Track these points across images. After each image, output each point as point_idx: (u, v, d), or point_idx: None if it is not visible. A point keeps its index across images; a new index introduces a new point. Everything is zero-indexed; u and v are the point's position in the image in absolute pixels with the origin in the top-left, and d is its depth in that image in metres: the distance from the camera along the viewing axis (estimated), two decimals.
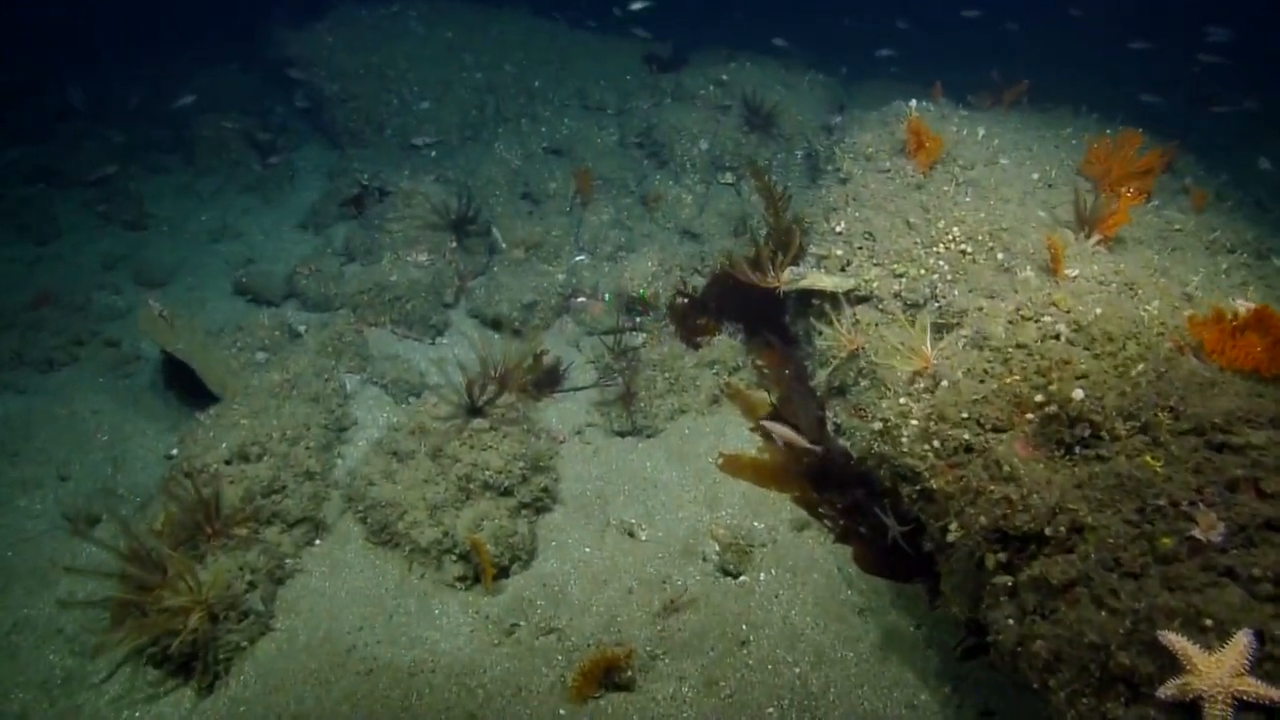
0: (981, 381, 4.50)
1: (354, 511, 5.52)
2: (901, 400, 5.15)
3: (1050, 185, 6.21)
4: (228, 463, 5.31)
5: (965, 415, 4.36)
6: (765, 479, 6.06)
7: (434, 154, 10.53)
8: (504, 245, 8.25)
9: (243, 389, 6.15)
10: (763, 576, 5.33)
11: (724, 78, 9.85)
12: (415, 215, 8.00)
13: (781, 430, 6.38)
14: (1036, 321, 4.63)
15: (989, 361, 4.59)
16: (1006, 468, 4.08)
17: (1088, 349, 4.31)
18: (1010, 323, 4.75)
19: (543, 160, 10.14)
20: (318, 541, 5.41)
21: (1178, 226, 5.86)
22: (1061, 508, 3.89)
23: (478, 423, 5.58)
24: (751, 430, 6.48)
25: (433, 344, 7.56)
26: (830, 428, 6.32)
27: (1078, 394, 4.00)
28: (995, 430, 4.24)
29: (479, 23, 12.07)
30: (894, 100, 10.73)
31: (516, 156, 10.12)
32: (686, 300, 7.26)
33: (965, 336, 4.99)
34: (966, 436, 4.31)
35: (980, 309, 5.14)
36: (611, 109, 10.76)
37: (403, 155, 10.27)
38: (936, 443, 4.42)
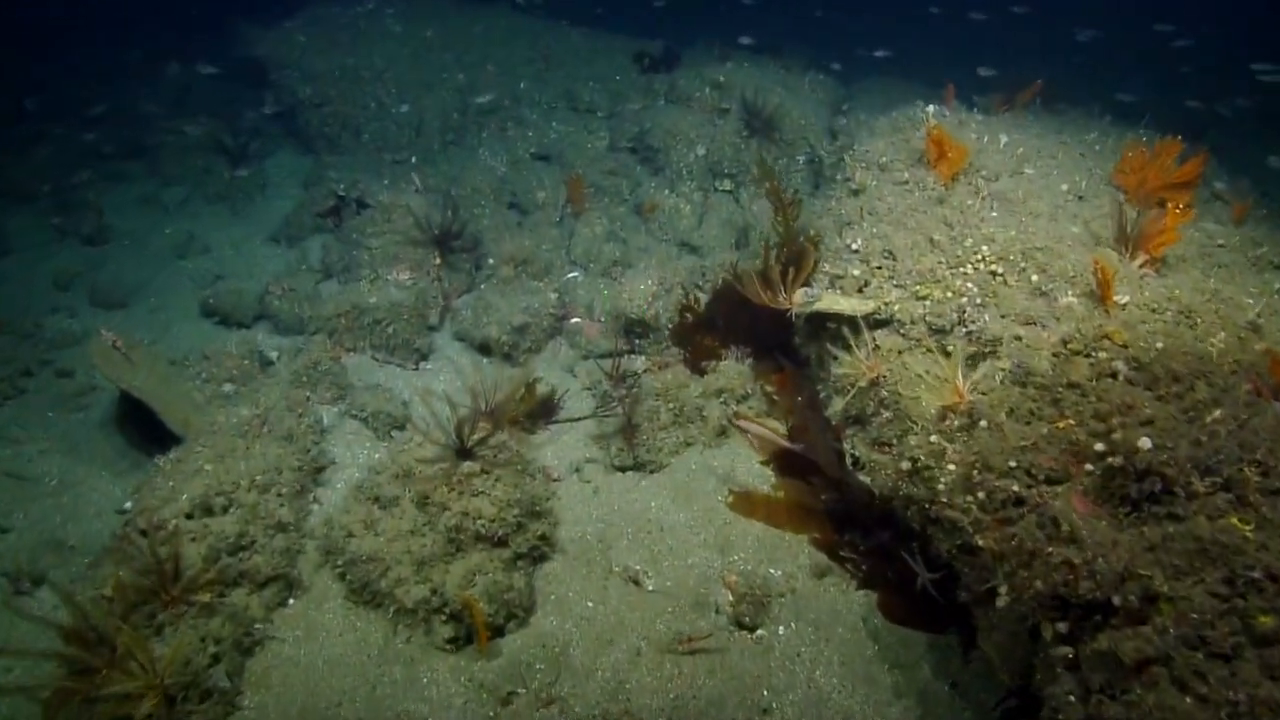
0: (1028, 424, 4.06)
1: (332, 567, 5.00)
2: (933, 438, 4.70)
3: (1081, 198, 5.78)
4: (189, 516, 4.77)
5: (1013, 464, 3.91)
6: (780, 519, 5.60)
7: (414, 159, 9.97)
8: (491, 260, 7.72)
9: (208, 427, 5.61)
10: (782, 631, 4.88)
11: (720, 79, 9.37)
12: (396, 230, 7.46)
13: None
14: (1088, 356, 4.19)
15: (1035, 401, 4.15)
16: (1066, 526, 3.63)
17: (1150, 389, 3.88)
18: (1056, 356, 4.32)
19: (530, 167, 9.62)
20: (291, 602, 4.89)
21: (1220, 241, 5.45)
22: (1131, 573, 3.45)
23: (468, 466, 5.08)
24: (762, 464, 6.01)
25: (416, 369, 7.04)
26: (848, 460, 5.89)
27: (1145, 443, 3.56)
28: (1049, 482, 3.80)
29: (460, 21, 11.49)
30: (896, 100, 10.34)
31: (502, 163, 9.58)
32: (690, 320, 6.78)
33: (1004, 370, 4.55)
34: (1016, 488, 3.86)
35: (1018, 338, 4.70)
36: (601, 111, 10.24)
37: (381, 161, 9.70)
38: (982, 494, 3.97)
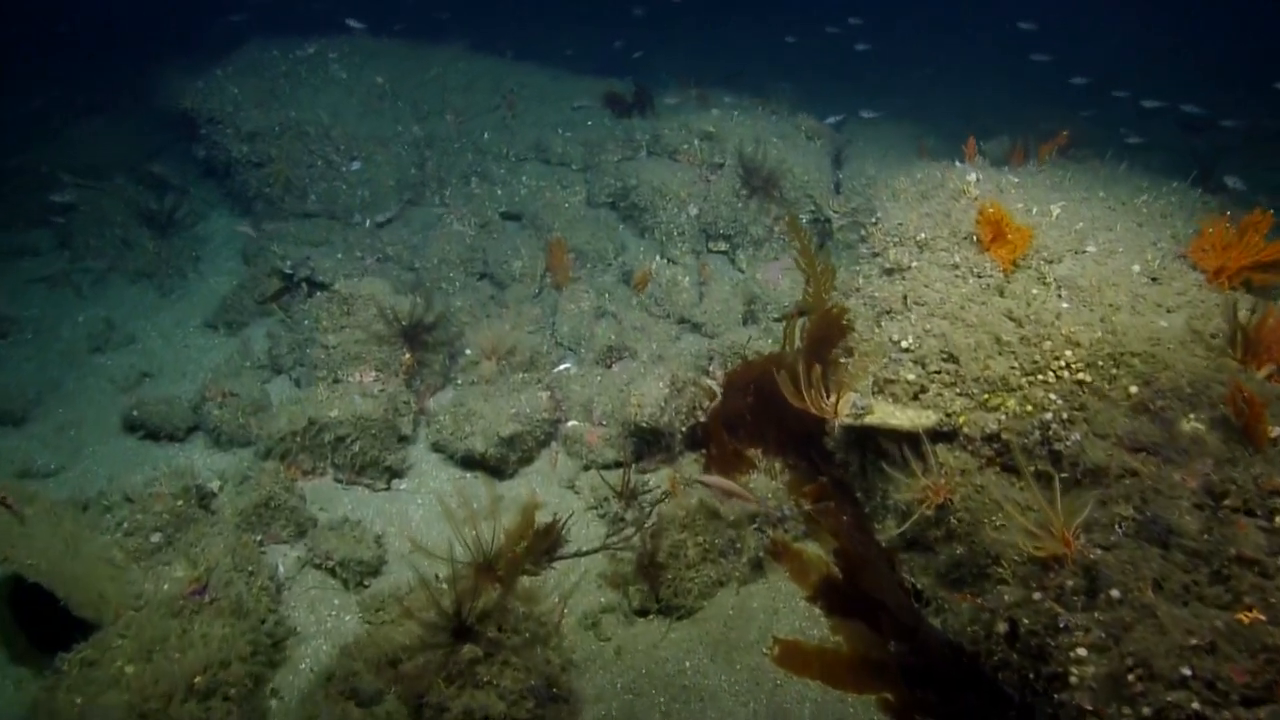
0: (1194, 613, 3.25)
1: None
2: (1037, 596, 3.89)
3: (1155, 280, 5.08)
4: None
5: (1188, 672, 3.10)
6: (840, 676, 4.72)
7: (368, 223, 8.89)
8: (469, 351, 6.71)
9: (130, 605, 4.48)
10: None
11: (710, 129, 8.55)
12: (357, 324, 6.40)
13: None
14: (1251, 515, 3.42)
15: (1188, 573, 3.36)
16: None
17: None
18: (1201, 509, 3.54)
19: (501, 230, 8.65)
20: None
21: None
22: None
23: (468, 649, 4.07)
24: (808, 601, 5.13)
25: (388, 489, 5.98)
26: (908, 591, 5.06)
27: None
28: (1246, 703, 2.99)
29: (413, 64, 10.46)
30: (892, 144, 9.68)
31: (470, 226, 8.59)
32: (707, 423, 5.90)
33: (1127, 518, 3.76)
34: (1197, 706, 3.05)
35: (1133, 473, 3.93)
36: (576, 164, 9.33)
37: (332, 228, 8.60)
38: (1147, 710, 3.14)
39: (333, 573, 5.17)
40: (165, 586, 4.69)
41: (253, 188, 9.17)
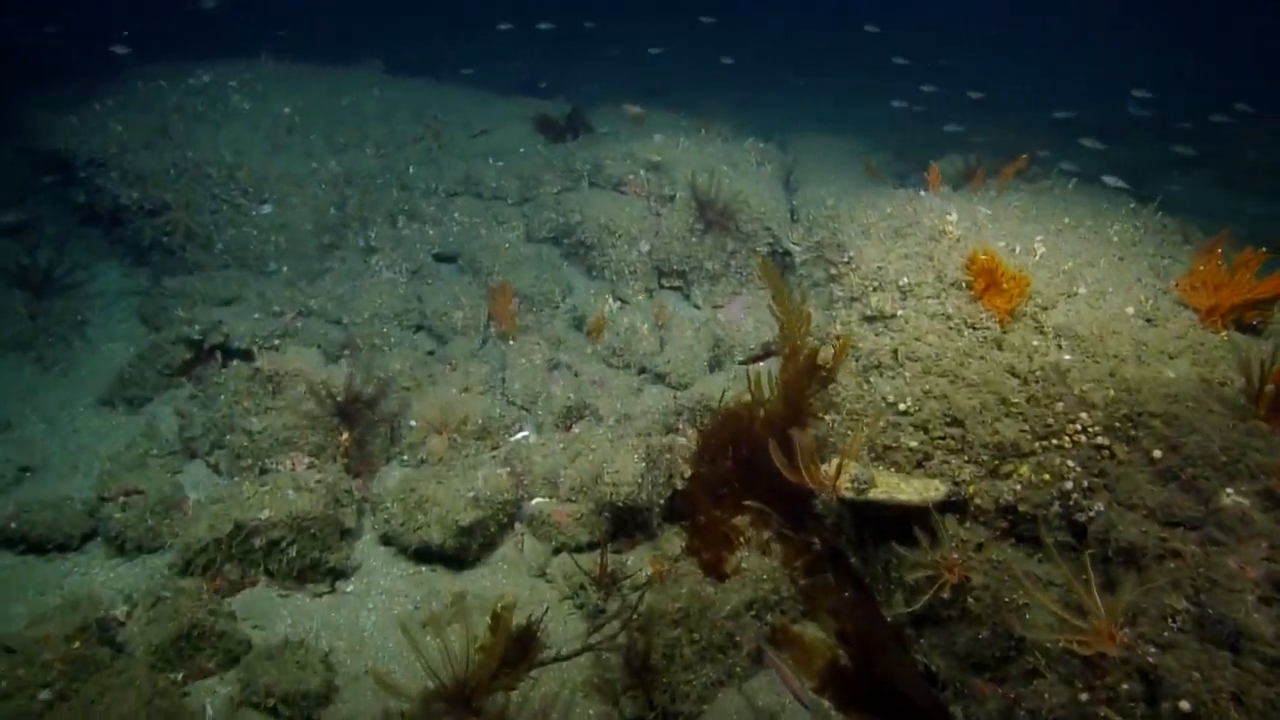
0: None
1: None
2: (1086, 699, 3.57)
3: (1150, 321, 4.88)
4: None
5: None
6: None
7: (285, 270, 8.02)
8: (413, 423, 6.02)
9: None
10: None
11: (655, 157, 8.07)
12: (286, 405, 5.62)
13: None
14: None
15: (1275, 687, 3.05)
16: None
17: None
18: (1268, 604, 3.25)
19: (436, 274, 7.94)
20: None
21: None
22: None
23: None
24: (815, 692, 4.70)
25: (332, 591, 5.25)
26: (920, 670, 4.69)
27: None
28: None
29: (324, 92, 9.59)
30: (839, 163, 9.42)
31: (401, 273, 7.85)
32: (687, 491, 5.41)
33: (1182, 611, 3.46)
34: None
35: (1177, 555, 3.64)
36: (512, 197, 8.69)
37: (245, 280, 7.69)
38: None
39: (274, 712, 4.43)
40: None
41: (147, 237, 8.15)
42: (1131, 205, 6.92)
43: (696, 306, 7.60)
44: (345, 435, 5.68)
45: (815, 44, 24.65)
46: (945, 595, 4.32)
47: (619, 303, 7.50)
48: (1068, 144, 11.56)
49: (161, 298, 7.53)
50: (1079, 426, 4.22)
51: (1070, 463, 4.21)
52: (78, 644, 4.42)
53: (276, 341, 6.75)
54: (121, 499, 5.52)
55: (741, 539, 5.21)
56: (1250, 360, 4.12)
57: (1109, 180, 8.41)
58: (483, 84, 11.65)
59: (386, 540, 5.47)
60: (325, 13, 22.13)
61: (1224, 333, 4.79)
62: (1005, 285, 4.74)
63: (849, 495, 4.55)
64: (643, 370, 6.78)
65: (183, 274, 7.89)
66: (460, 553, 5.33)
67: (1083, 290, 5.08)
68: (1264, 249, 4.82)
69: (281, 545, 5.06)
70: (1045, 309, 4.90)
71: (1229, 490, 3.66)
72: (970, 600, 4.32)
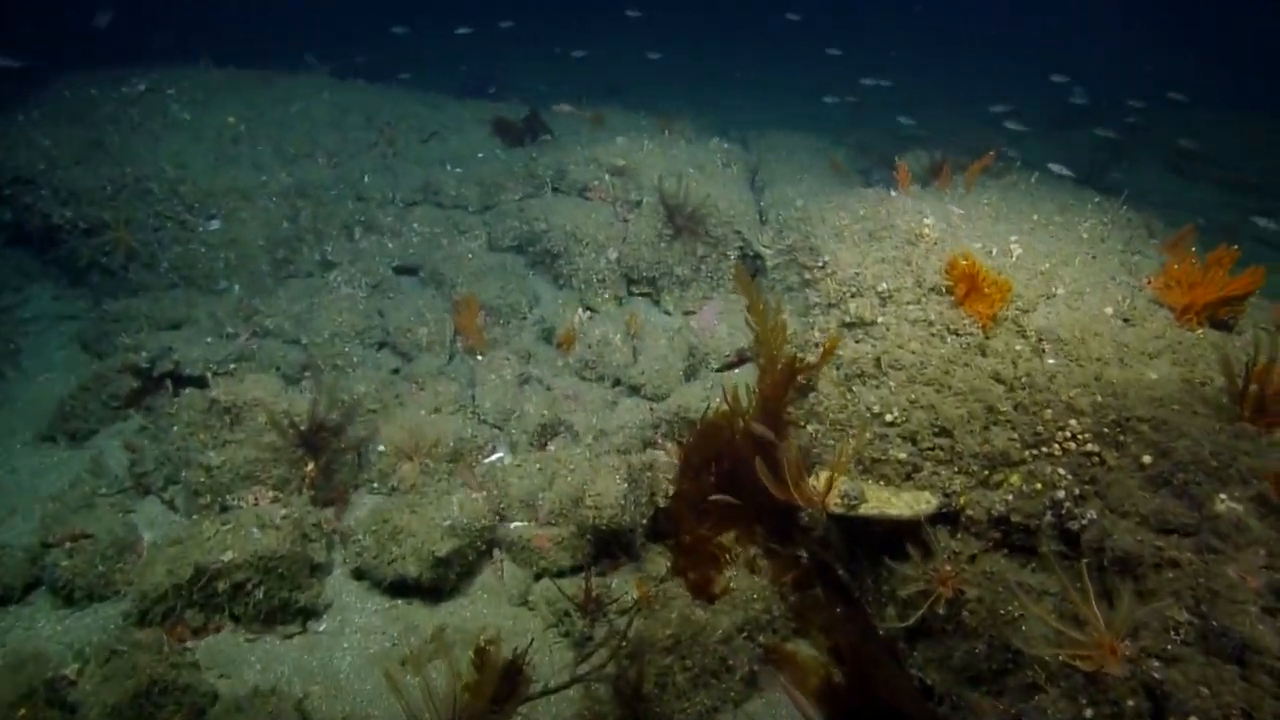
0: None
1: None
2: (1091, 716, 3.54)
3: (1128, 321, 4.89)
4: None
5: None
6: None
7: (236, 288, 7.64)
8: (381, 448, 5.77)
9: None
10: None
11: (620, 161, 7.89)
12: (246, 437, 5.32)
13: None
14: None
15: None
16: None
17: None
18: (1271, 615, 3.24)
19: (397, 288, 7.65)
20: None
21: None
22: None
23: None
24: None
25: (304, 632, 4.99)
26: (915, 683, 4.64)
27: None
28: None
29: (270, 100, 9.17)
30: (803, 162, 9.35)
31: (360, 287, 7.54)
32: (674, 514, 5.27)
33: (1184, 624, 3.43)
34: None
35: (1173, 564, 3.62)
36: (473, 205, 8.42)
37: (194, 301, 7.30)
38: None
39: None
40: None
41: (84, 257, 7.69)
42: (1096, 200, 6.96)
43: (667, 313, 7.45)
44: (310, 465, 5.40)
45: (758, 35, 24.72)
46: (940, 610, 4.27)
47: (589, 312, 7.32)
48: (1000, 134, 11.76)
49: (103, 322, 7.11)
50: (1068, 434, 4.20)
51: (1061, 471, 4.18)
52: (23, 711, 4.11)
53: (232, 366, 6.42)
54: (68, 544, 5.17)
55: (728, 556, 5.09)
56: (1233, 360, 4.13)
57: (1055, 168, 8.51)
58: (431, 88, 11.33)
59: (359, 574, 5.22)
60: (254, 17, 21.47)
61: (1200, 330, 4.81)
62: (987, 290, 4.69)
63: (839, 511, 4.47)
64: (617, 382, 6.61)
65: (126, 296, 7.46)
66: (438, 584, 5.11)
67: (1061, 291, 5.07)
68: (1236, 246, 4.85)
69: (247, 587, 4.78)
70: (1026, 312, 4.87)
71: (1223, 496, 3.65)
72: (965, 614, 4.27)
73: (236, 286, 7.67)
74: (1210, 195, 12.27)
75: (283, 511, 5.05)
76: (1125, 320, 4.90)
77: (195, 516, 5.23)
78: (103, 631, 4.80)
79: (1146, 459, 3.99)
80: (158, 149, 8.06)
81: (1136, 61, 21.48)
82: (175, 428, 5.81)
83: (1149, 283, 5.24)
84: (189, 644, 4.77)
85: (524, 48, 20.43)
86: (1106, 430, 4.14)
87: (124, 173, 7.68)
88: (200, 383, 6.29)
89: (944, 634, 4.42)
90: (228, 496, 5.24)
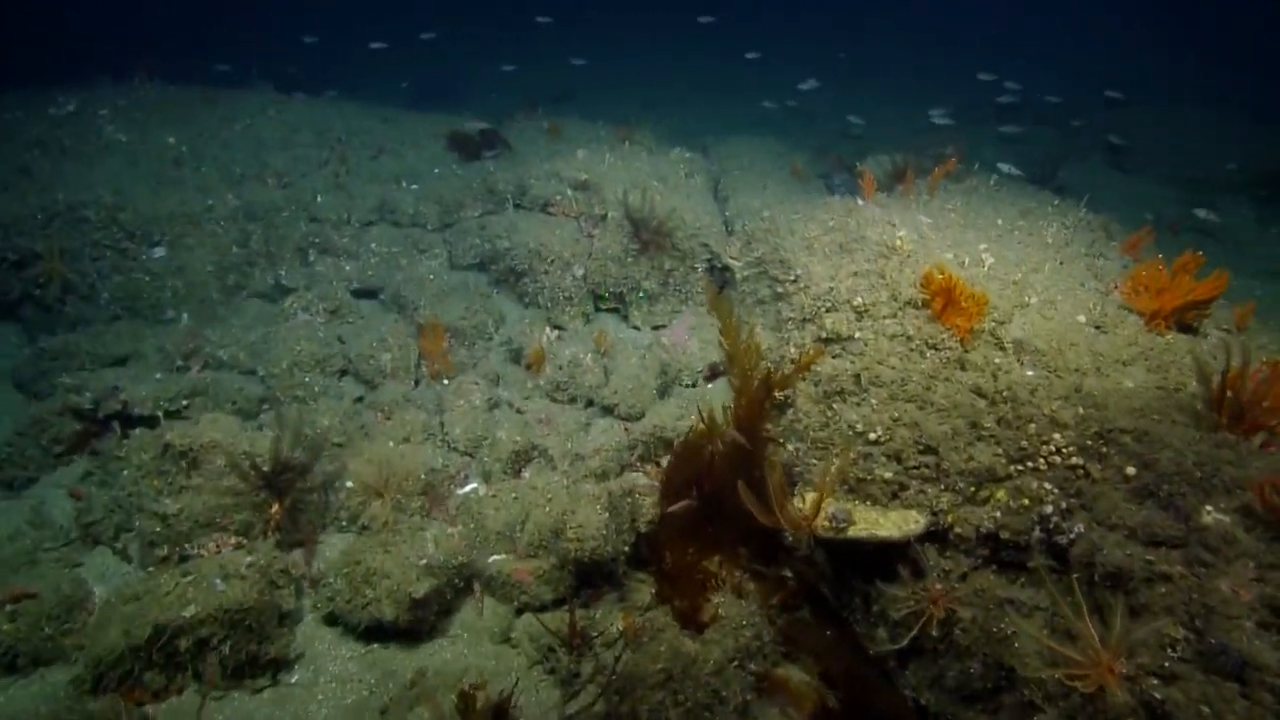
0: None
1: None
2: None
3: (1100, 328, 4.94)
4: None
5: None
6: None
7: (185, 317, 7.30)
8: (350, 484, 5.54)
9: None
10: None
11: (582, 176, 7.75)
12: (205, 482, 5.04)
13: None
14: None
15: None
16: None
17: None
18: (1267, 629, 3.25)
19: (357, 312, 7.39)
20: None
21: None
22: None
23: None
24: None
25: (274, 685, 4.74)
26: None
27: None
28: None
29: (212, 119, 8.80)
30: (765, 170, 9.33)
31: (319, 313, 7.26)
32: (659, 540, 5.15)
33: (1180, 640, 3.43)
34: None
35: (1165, 578, 3.63)
36: (431, 223, 8.20)
37: (139, 333, 6.94)
38: None
39: None
40: None
41: (15, 290, 7.25)
42: (1055, 203, 7.06)
43: (636, 328, 7.34)
44: (275, 507, 5.14)
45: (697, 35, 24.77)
46: (933, 631, 4.23)
47: (556, 331, 7.17)
48: (956, 133, 11.94)
49: (40, 360, 6.69)
50: (1053, 447, 4.20)
51: (1047, 485, 4.17)
52: None
53: (184, 403, 6.10)
54: (8, 605, 4.83)
55: (714, 582, 5.00)
56: (1208, 367, 4.18)
57: (1004, 167, 8.64)
58: (373, 101, 11.04)
59: (332, 620, 4.99)
60: (188, 28, 20.75)
61: (1169, 335, 4.87)
62: (964, 304, 4.68)
63: (828, 535, 4.40)
64: (590, 403, 6.47)
65: (64, 330, 7.06)
66: (415, 626, 4.91)
67: (1034, 300, 5.09)
68: (1201, 253, 4.93)
69: (211, 644, 4.52)
70: (1002, 323, 4.88)
71: (1209, 508, 3.67)
72: (958, 632, 4.24)
73: (185, 316, 7.32)
74: (1153, 189, 12.63)
75: (248, 559, 4.79)
76: (1098, 328, 4.94)
77: (152, 569, 4.94)
78: (51, 702, 4.48)
79: (1130, 470, 4.00)
80: (92, 174, 7.65)
81: (1088, 62, 22.10)
82: (125, 471, 5.49)
83: (1116, 288, 5.30)
84: (149, 708, 4.49)
85: (466, 58, 20.16)
86: (1089, 443, 4.15)
87: (55, 200, 7.26)
88: (151, 422, 5.97)
89: (937, 653, 4.38)
90: (187, 545, 4.95)
